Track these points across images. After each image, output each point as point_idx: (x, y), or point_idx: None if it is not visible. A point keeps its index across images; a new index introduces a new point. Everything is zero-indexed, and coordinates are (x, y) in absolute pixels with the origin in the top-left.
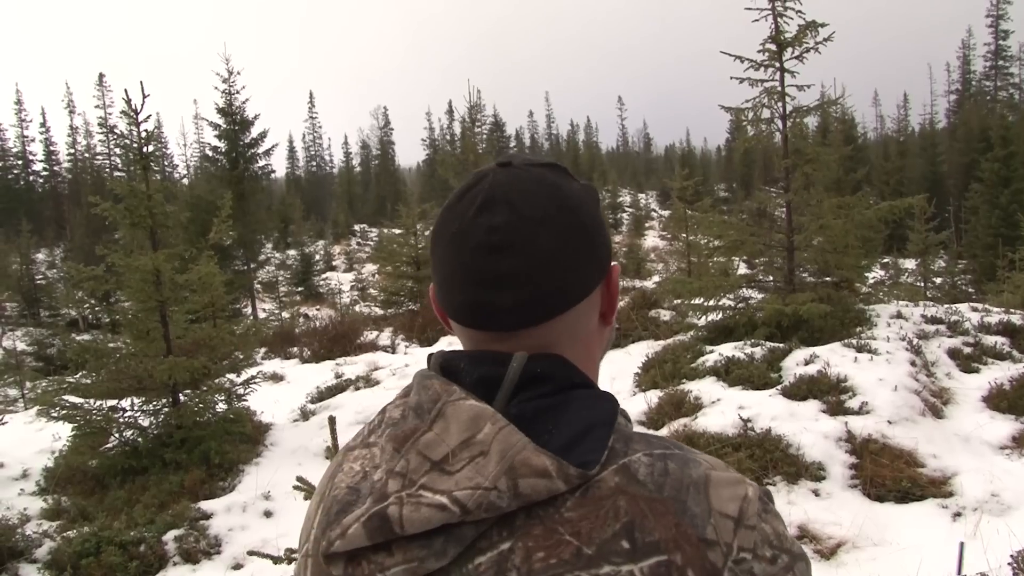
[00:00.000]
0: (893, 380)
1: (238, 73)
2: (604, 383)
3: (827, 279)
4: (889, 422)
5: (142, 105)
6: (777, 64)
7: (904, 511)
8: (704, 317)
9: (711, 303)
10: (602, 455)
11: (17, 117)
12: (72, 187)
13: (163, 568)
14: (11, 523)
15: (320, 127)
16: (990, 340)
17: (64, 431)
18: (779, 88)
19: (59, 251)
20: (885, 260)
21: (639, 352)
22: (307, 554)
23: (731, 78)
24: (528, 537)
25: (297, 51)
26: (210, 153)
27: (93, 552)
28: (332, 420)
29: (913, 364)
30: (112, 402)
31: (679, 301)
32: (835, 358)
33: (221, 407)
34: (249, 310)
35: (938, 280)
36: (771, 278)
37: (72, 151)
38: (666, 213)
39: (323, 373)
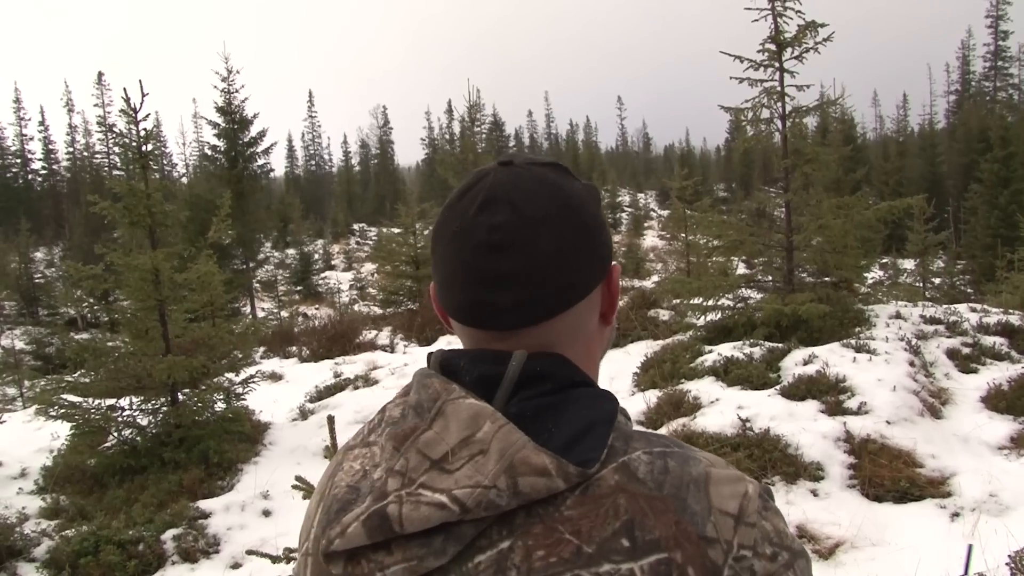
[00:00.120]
0: (892, 380)
1: (237, 72)
2: (603, 383)
3: (826, 279)
4: (888, 422)
5: (141, 104)
6: (776, 64)
7: (902, 511)
8: (703, 317)
9: (710, 303)
10: (602, 453)
11: (16, 116)
12: (71, 186)
13: (162, 567)
14: (9, 522)
15: (319, 126)
16: (989, 341)
17: (63, 430)
18: (778, 88)
19: (58, 250)
20: (884, 260)
21: (638, 352)
22: (307, 553)
23: (730, 78)
24: (528, 536)
25: (297, 51)
26: (209, 152)
27: (92, 551)
28: (331, 419)
29: (912, 364)
30: (111, 401)
31: (678, 301)
32: (834, 358)
33: (220, 406)
34: (248, 309)
35: (937, 280)
36: (770, 278)
37: (71, 150)
38: (665, 213)
39: (322, 372)
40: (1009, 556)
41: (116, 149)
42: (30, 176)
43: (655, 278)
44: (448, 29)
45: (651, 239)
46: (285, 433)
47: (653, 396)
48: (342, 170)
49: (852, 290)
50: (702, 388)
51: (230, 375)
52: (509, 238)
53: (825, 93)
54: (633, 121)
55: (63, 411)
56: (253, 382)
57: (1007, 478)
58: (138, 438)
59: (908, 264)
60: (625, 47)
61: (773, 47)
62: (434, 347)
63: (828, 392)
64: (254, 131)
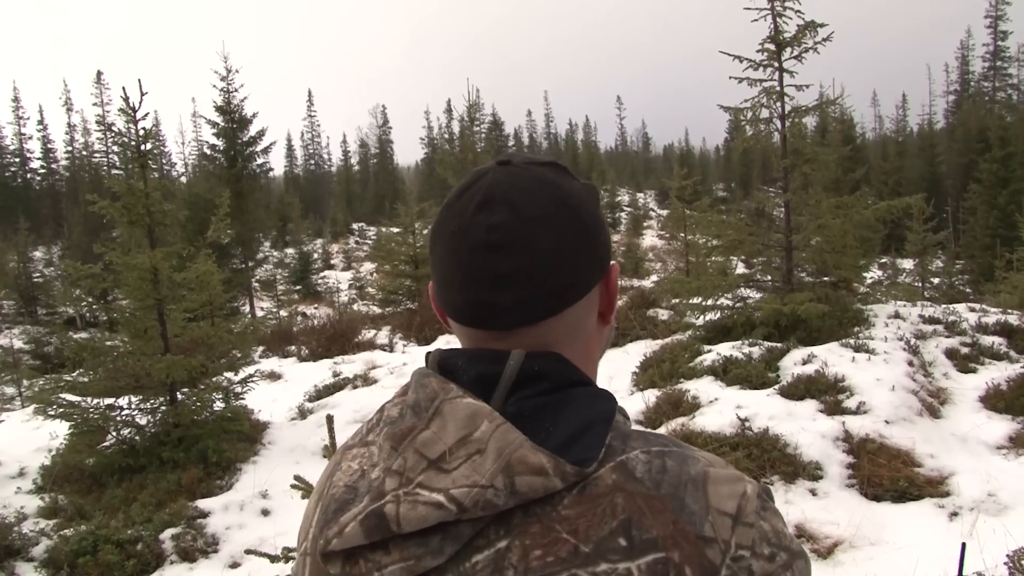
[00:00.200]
0: (891, 380)
1: (236, 71)
2: (602, 382)
3: (825, 279)
4: (886, 422)
5: (140, 103)
6: (776, 64)
7: (901, 511)
8: (702, 316)
9: (709, 302)
10: (599, 453)
11: (15, 115)
12: (70, 185)
13: (160, 567)
14: (8, 521)
15: (319, 125)
16: (987, 340)
17: (61, 429)
18: (778, 88)
19: (57, 249)
20: (883, 260)
21: (637, 351)
22: (305, 552)
23: (730, 78)
24: (525, 535)
25: (296, 50)
26: (208, 151)
27: (90, 551)
28: (330, 419)
29: (911, 364)
30: (109, 400)
31: (677, 300)
32: (833, 358)
33: (219, 406)
34: (247, 308)
35: (936, 280)
36: (769, 278)
37: (70, 149)
38: (664, 212)
39: (321, 372)
40: (1007, 555)
41: (115, 148)
42: (29, 175)
43: (654, 278)
44: (447, 29)
45: (650, 239)
46: (284, 432)
47: (652, 395)
48: (341, 169)
49: (851, 290)
50: (701, 388)
51: (229, 374)
52: (507, 237)
53: (824, 93)
54: (632, 121)
55: (62, 410)
56: (252, 381)
57: (1005, 478)
58: (137, 437)
59: (907, 264)
60: (624, 47)
61: (772, 47)
62: (433, 346)
63: (827, 392)
64: (253, 130)
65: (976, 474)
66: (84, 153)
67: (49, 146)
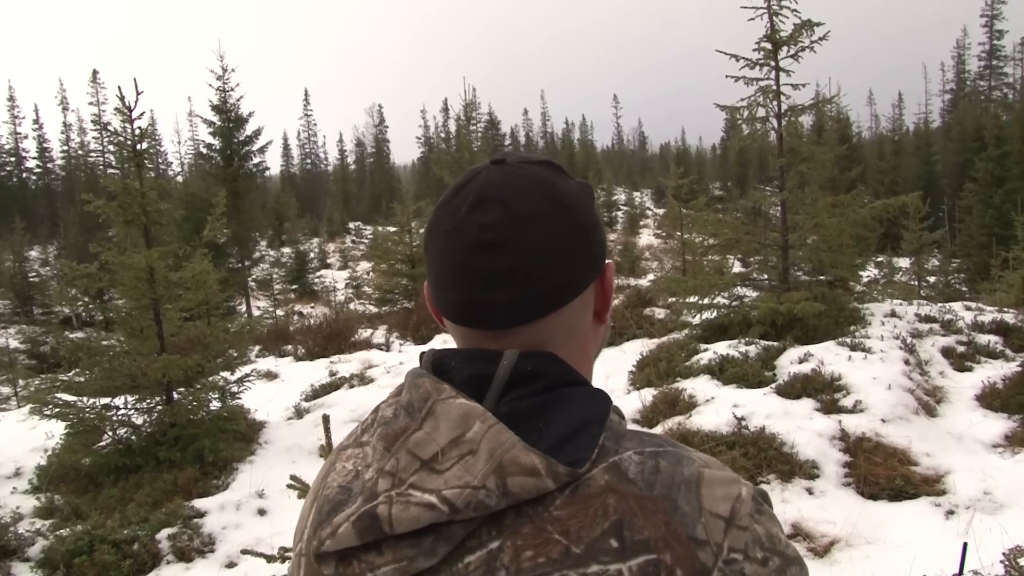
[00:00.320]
0: (887, 379)
1: (232, 70)
2: (598, 381)
3: (821, 278)
4: (883, 420)
5: (136, 102)
6: (772, 63)
7: (897, 509)
8: (699, 315)
9: (706, 301)
10: (592, 453)
11: (10, 114)
12: (66, 184)
13: (156, 566)
14: (4, 521)
15: (315, 124)
16: (983, 339)
17: (57, 429)
18: (774, 87)
19: (52, 248)
20: (879, 259)
21: (634, 350)
22: (300, 553)
23: (726, 77)
24: (517, 536)
25: (292, 49)
26: (204, 150)
27: (86, 551)
28: (326, 418)
29: (907, 363)
30: (105, 400)
31: (674, 299)
32: (829, 356)
33: (215, 405)
34: (243, 308)
35: (932, 279)
36: (766, 276)
37: (66, 148)
38: (661, 211)
39: (317, 371)
40: (1003, 554)
41: (111, 147)
42: (24, 175)
43: (651, 276)
44: (445, 28)
45: (647, 238)
46: (280, 432)
47: (648, 395)
48: (338, 169)
49: (847, 288)
50: (697, 386)
51: (225, 374)
52: (501, 237)
53: (821, 92)
54: (629, 120)
55: (58, 410)
56: (248, 381)
57: (1001, 476)
58: (133, 437)
59: (903, 263)
60: (621, 46)
61: (769, 46)
62: (430, 346)
63: (823, 390)
64: (249, 129)
65: (972, 472)
66: (80, 152)
67: (45, 145)
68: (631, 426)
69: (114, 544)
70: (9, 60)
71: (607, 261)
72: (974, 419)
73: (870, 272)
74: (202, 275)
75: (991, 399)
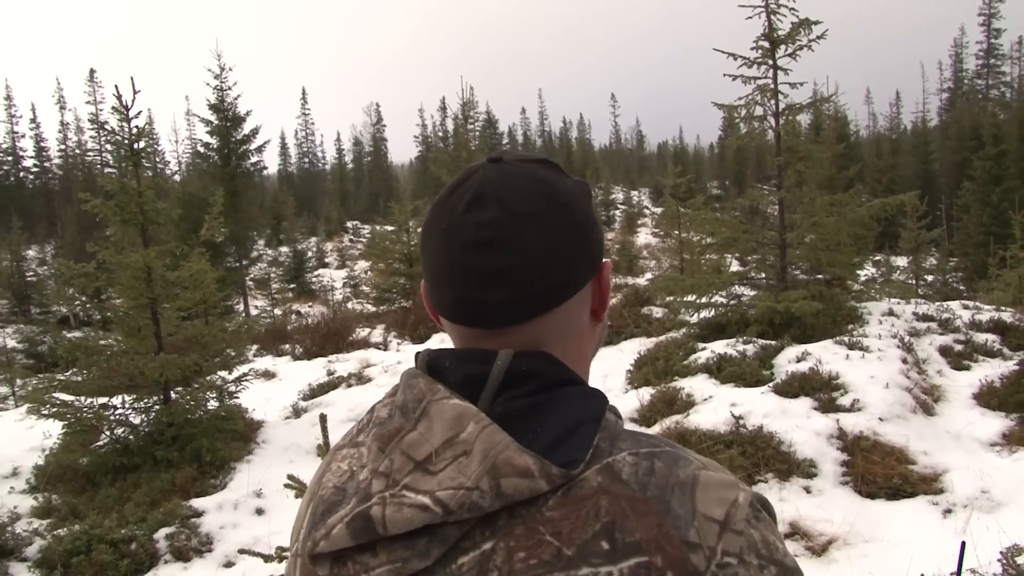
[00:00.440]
0: (884, 377)
1: (230, 69)
2: (596, 380)
3: (819, 276)
4: (880, 419)
5: (133, 101)
6: (770, 61)
7: (895, 508)
8: (696, 314)
9: (703, 300)
10: (586, 454)
11: (7, 113)
12: (63, 183)
13: (154, 566)
14: (1, 521)
15: (312, 123)
16: (981, 338)
17: (55, 429)
18: (772, 85)
19: (50, 248)
20: (877, 258)
21: (631, 349)
22: (296, 554)
23: (724, 75)
24: (510, 537)
25: (290, 48)
26: (202, 149)
27: (84, 550)
28: (323, 418)
29: (904, 361)
30: (103, 400)
31: (671, 298)
32: (827, 355)
33: (213, 405)
34: (241, 307)
35: (930, 278)
36: (763, 275)
37: (63, 147)
38: (659, 210)
39: (315, 370)
40: (1001, 552)
41: (108, 147)
42: (22, 174)
43: (648, 275)
44: (443, 27)
45: (644, 236)
46: (278, 431)
47: (646, 394)
48: (335, 168)
49: (845, 287)
50: (695, 385)
51: (223, 373)
52: (497, 235)
53: (818, 91)
54: (627, 119)
55: (55, 410)
56: (246, 380)
57: (999, 475)
58: (130, 437)
59: (901, 261)
60: (619, 45)
61: (767, 44)
62: (427, 345)
63: (821, 389)
64: (247, 128)
65: (970, 471)
66: (77, 151)
67: (42, 144)
68: (628, 426)
69: (112, 544)
70: (6, 59)
71: (604, 260)
72: (972, 418)
73: (868, 271)
74: (200, 274)
75: (989, 398)
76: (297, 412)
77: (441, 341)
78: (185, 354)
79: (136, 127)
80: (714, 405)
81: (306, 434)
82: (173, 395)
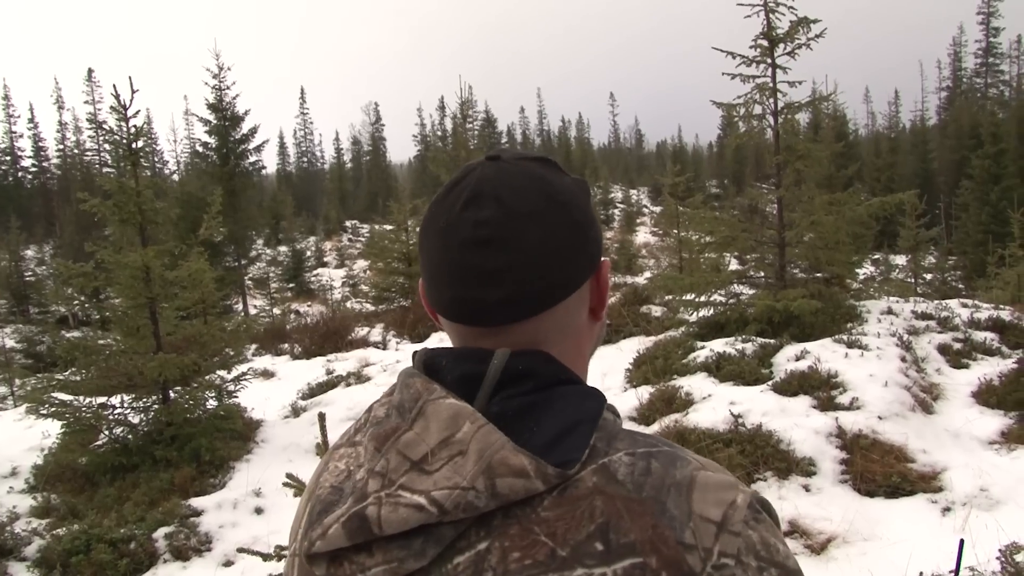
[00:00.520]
0: (883, 376)
1: (228, 69)
2: (595, 379)
3: (818, 275)
4: (879, 418)
5: (131, 100)
6: (769, 60)
7: (894, 506)
8: (695, 313)
9: (702, 299)
10: (583, 454)
11: (5, 112)
12: (61, 183)
13: (153, 565)
14: (0, 521)
15: (311, 123)
16: (980, 336)
17: (53, 428)
18: (771, 84)
19: (48, 248)
20: (876, 256)
21: (630, 348)
22: (294, 553)
23: (723, 74)
24: (505, 537)
25: (288, 48)
26: (200, 149)
27: (83, 550)
28: (322, 416)
29: (903, 360)
30: (102, 399)
31: (670, 297)
32: (826, 354)
33: (211, 404)
34: (240, 307)
35: (928, 276)
36: (762, 274)
37: (61, 147)
38: (658, 209)
39: (314, 369)
40: (1000, 550)
41: (106, 146)
42: (20, 174)
43: (647, 274)
44: (441, 26)
45: (643, 235)
46: (277, 430)
47: (645, 392)
48: (334, 167)
49: (844, 286)
50: (694, 384)
51: (222, 373)
52: (495, 233)
53: (817, 89)
54: (625, 118)
55: (54, 409)
56: (245, 380)
57: (997, 473)
58: (129, 436)
59: (899, 260)
60: (618, 44)
61: (765, 43)
62: (426, 344)
63: (820, 388)
64: (245, 128)
65: (968, 469)
66: (75, 151)
67: (40, 144)
68: (627, 425)
69: (111, 543)
70: (4, 59)
71: (603, 258)
72: (970, 416)
73: (867, 269)
74: (198, 274)
75: (987, 396)
76: (296, 411)
77: (440, 340)
78: (184, 353)
79: (134, 126)
80: (713, 404)
81: (305, 433)
82: (172, 394)
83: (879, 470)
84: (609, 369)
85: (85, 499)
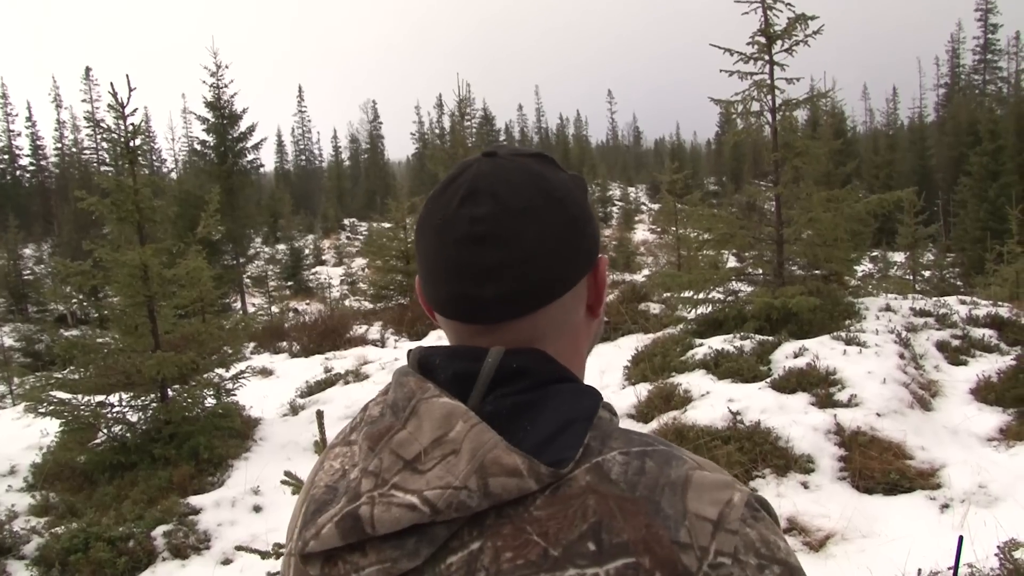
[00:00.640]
0: (882, 373)
1: (226, 67)
2: (593, 376)
3: (816, 272)
4: (878, 414)
5: (128, 99)
6: (767, 57)
7: (892, 503)
8: (694, 310)
9: (701, 296)
10: (576, 453)
11: (2, 111)
12: (59, 182)
13: (152, 564)
14: None
15: (309, 121)
16: (978, 333)
17: (52, 427)
18: (769, 81)
19: (47, 246)
20: (874, 253)
21: (629, 345)
22: (290, 552)
23: (720, 71)
24: (497, 537)
25: (286, 45)
26: (198, 147)
27: (81, 548)
28: (320, 414)
29: (902, 357)
30: (100, 398)
31: (669, 294)
32: (824, 351)
33: (210, 402)
34: (238, 305)
35: (927, 273)
36: (760, 271)
37: (59, 145)
38: (656, 206)
39: (312, 367)
40: (998, 547)
41: (104, 145)
42: (18, 172)
43: (646, 272)
44: (440, 24)
45: (642, 233)
46: (275, 428)
47: (644, 390)
48: (332, 165)
49: (842, 283)
50: (693, 381)
51: (220, 371)
52: (492, 230)
53: (815, 86)
54: (623, 115)
55: (52, 408)
56: (243, 378)
57: (996, 469)
58: (128, 435)
59: (898, 257)
60: (615, 42)
61: (763, 40)
62: (424, 342)
63: (818, 385)
64: (243, 126)
65: (967, 466)
66: (73, 150)
67: (38, 143)
68: (626, 423)
69: (109, 541)
70: (1, 57)
71: (600, 255)
72: (969, 413)
73: (865, 267)
74: (196, 272)
75: (986, 393)
76: (294, 409)
77: (438, 337)
78: (182, 352)
79: (132, 125)
80: (711, 401)
81: (303, 431)
82: (170, 393)
83: (877, 467)
84: (607, 367)
85: (84, 497)
